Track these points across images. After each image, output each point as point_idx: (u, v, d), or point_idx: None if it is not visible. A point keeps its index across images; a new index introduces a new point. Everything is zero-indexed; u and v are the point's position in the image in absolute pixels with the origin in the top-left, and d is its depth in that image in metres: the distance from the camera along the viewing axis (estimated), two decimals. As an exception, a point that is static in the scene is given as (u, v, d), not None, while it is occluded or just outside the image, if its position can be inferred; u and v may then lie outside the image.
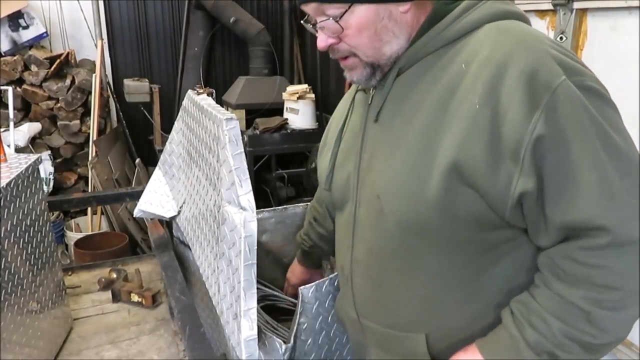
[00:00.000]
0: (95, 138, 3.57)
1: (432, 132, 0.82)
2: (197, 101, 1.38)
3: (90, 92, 3.65)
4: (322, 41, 0.89)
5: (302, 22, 0.93)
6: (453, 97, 0.81)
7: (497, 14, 0.85)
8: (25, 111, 3.60)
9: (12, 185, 1.19)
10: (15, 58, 3.50)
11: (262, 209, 1.69)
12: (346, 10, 0.84)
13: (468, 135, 0.78)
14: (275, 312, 1.67)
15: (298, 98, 3.56)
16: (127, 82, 3.89)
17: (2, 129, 3.25)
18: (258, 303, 1.08)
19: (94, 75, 3.64)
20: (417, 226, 0.86)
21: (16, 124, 3.37)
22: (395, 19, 0.86)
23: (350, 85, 1.13)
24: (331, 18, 0.85)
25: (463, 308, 0.90)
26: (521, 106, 0.74)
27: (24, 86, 3.52)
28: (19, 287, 1.21)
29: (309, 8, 0.88)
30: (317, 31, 0.89)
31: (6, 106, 3.30)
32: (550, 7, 1.88)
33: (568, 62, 0.78)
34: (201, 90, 3.68)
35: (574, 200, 0.75)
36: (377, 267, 0.96)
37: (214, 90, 3.91)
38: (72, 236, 3.37)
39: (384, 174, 0.89)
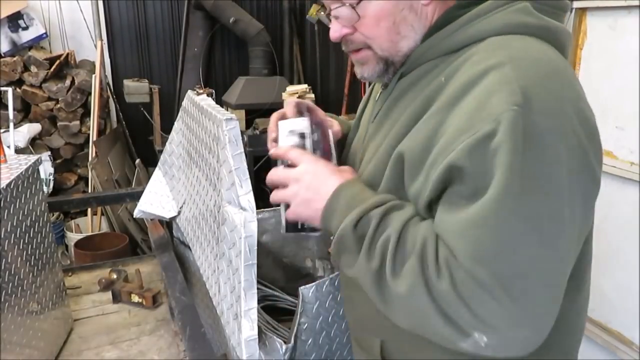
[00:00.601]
0: (95, 139, 3.57)
1: (400, 138, 0.80)
2: (197, 101, 1.38)
3: (90, 93, 3.65)
4: (336, 31, 0.84)
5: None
6: (426, 110, 0.76)
7: (509, 25, 0.75)
8: (25, 112, 3.61)
9: (12, 186, 1.19)
10: (15, 59, 3.50)
11: (262, 209, 1.69)
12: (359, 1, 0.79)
13: (416, 138, 0.75)
14: (276, 312, 1.67)
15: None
16: (127, 83, 3.89)
17: (2, 130, 3.25)
18: (258, 303, 1.08)
19: (93, 75, 3.64)
20: None
21: (16, 125, 3.37)
22: (416, 11, 0.80)
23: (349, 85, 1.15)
24: (348, 4, 0.80)
25: None
26: (456, 126, 0.69)
27: (24, 87, 3.52)
28: (20, 288, 1.21)
29: None
30: (330, 20, 0.85)
31: (6, 107, 3.30)
32: (550, 6, 1.88)
33: (540, 97, 0.66)
34: (201, 91, 3.68)
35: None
36: None
37: (213, 91, 3.91)
38: (72, 237, 3.37)
39: (367, 166, 0.89)
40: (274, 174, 0.87)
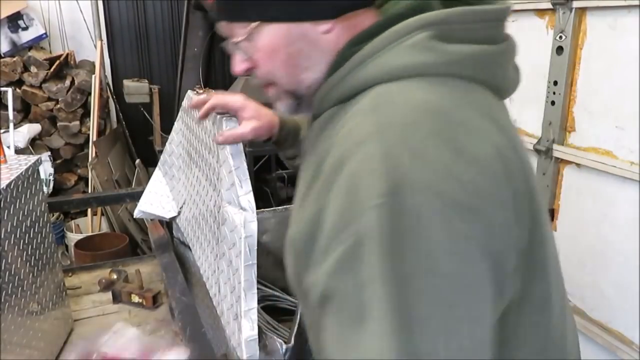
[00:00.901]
0: (95, 139, 3.57)
1: (297, 210, 0.71)
2: (197, 102, 1.38)
3: (89, 93, 3.65)
4: (236, 65, 0.76)
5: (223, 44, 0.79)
6: (315, 179, 0.65)
7: (394, 70, 0.63)
8: (25, 112, 3.60)
9: (12, 187, 1.19)
10: (14, 59, 3.50)
11: (263, 209, 1.69)
12: (253, 30, 0.70)
13: (301, 232, 0.65)
14: (276, 312, 1.67)
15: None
16: (127, 83, 3.89)
17: (2, 131, 3.25)
18: (258, 303, 1.08)
19: (93, 76, 3.64)
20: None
21: (16, 125, 3.37)
22: (313, 41, 0.69)
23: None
24: (241, 38, 0.72)
25: None
26: (332, 223, 0.57)
27: (24, 87, 3.52)
28: (20, 288, 1.21)
29: (221, 28, 0.76)
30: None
31: (6, 107, 3.30)
32: (550, 6, 1.88)
33: (406, 173, 0.54)
34: (201, 91, 3.68)
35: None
36: None
37: (213, 91, 3.91)
38: (73, 237, 3.37)
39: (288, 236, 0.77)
40: None
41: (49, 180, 3.40)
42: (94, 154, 3.53)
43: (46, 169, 3.37)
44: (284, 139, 1.07)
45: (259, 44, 0.71)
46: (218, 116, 1.14)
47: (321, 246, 0.58)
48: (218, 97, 1.03)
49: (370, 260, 0.53)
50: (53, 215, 3.41)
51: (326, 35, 0.69)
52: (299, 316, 1.27)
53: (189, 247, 1.54)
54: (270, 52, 0.71)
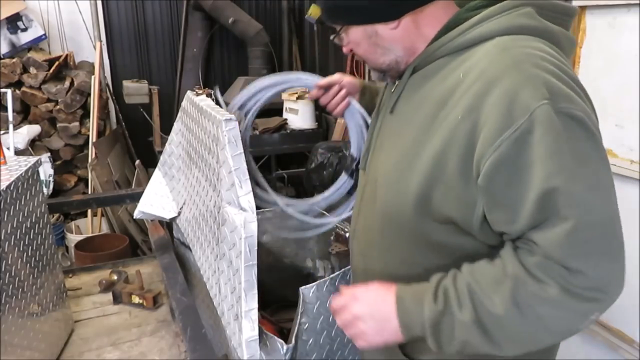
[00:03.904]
0: (94, 140, 3.57)
1: (421, 135, 0.87)
2: (196, 102, 1.38)
3: (89, 94, 3.65)
4: (344, 47, 1.03)
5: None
6: (444, 106, 0.84)
7: (511, 27, 0.84)
8: (25, 114, 3.60)
9: (12, 188, 1.19)
10: (14, 60, 3.50)
11: (262, 210, 1.69)
12: (343, 30, 0.98)
13: (446, 146, 0.82)
14: (277, 312, 1.67)
15: (297, 98, 3.56)
16: (126, 84, 3.89)
17: (1, 132, 3.25)
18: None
19: (92, 77, 3.64)
20: (395, 220, 0.93)
21: (15, 127, 3.37)
22: (384, 36, 0.93)
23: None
24: (338, 34, 1.00)
25: None
26: (494, 125, 0.76)
27: (23, 89, 3.51)
28: (20, 289, 1.21)
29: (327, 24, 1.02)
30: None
31: (5, 109, 3.30)
32: (549, 4, 1.88)
33: (559, 87, 0.76)
34: (200, 91, 3.68)
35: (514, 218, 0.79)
36: (365, 240, 1.05)
37: (214, 90, 3.91)
38: (73, 238, 3.37)
39: (383, 164, 0.97)
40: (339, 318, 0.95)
41: (49, 181, 3.40)
42: (93, 155, 3.52)
43: (46, 170, 3.36)
44: (363, 96, 1.37)
45: (349, 39, 0.99)
46: (218, 117, 1.14)
47: (486, 143, 0.76)
48: (324, 80, 1.34)
49: (544, 139, 0.73)
50: (53, 217, 3.41)
51: (394, 31, 0.92)
52: (299, 316, 1.27)
53: (189, 248, 1.54)
54: (356, 44, 0.98)
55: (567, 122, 0.75)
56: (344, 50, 1.03)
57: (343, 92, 1.31)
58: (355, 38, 0.97)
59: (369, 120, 1.24)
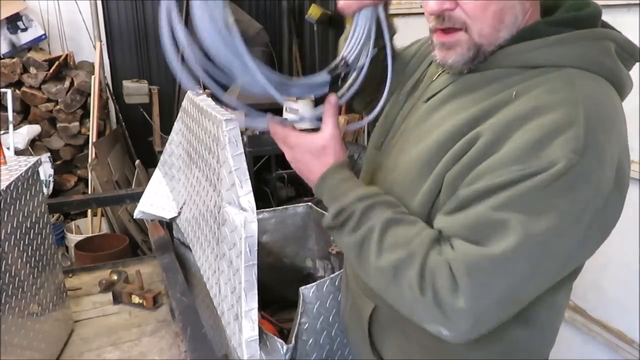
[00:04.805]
0: (94, 140, 3.57)
1: (449, 142, 0.79)
2: (197, 102, 1.38)
3: (89, 94, 3.65)
4: (437, 4, 0.77)
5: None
6: (485, 119, 0.76)
7: (586, 62, 0.76)
8: (25, 114, 3.60)
9: (12, 188, 1.19)
10: (14, 60, 3.49)
11: (262, 210, 1.69)
12: None
13: (457, 154, 0.77)
14: (277, 312, 1.67)
15: (297, 98, 3.56)
16: (126, 84, 3.89)
17: (1, 132, 3.25)
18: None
19: (92, 77, 3.64)
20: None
21: (15, 127, 3.37)
22: (521, 5, 0.77)
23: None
24: None
25: None
26: (515, 152, 0.70)
27: (23, 89, 3.51)
28: (20, 289, 1.21)
29: None
30: None
31: (5, 109, 3.30)
32: (549, 5, 1.88)
33: (602, 146, 0.69)
34: (200, 91, 3.67)
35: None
36: None
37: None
38: (73, 238, 3.37)
39: (401, 159, 0.89)
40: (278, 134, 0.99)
41: (49, 181, 3.39)
42: (93, 155, 3.52)
43: (46, 170, 3.36)
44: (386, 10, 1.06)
45: None
46: (218, 116, 1.14)
47: (501, 161, 0.70)
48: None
49: (547, 190, 0.67)
50: (53, 217, 3.41)
51: (526, 4, 0.78)
52: (299, 316, 1.27)
53: (189, 248, 1.54)
54: (483, 4, 0.75)
55: (578, 182, 0.68)
56: (441, 6, 0.77)
57: None
58: None
59: (388, 38, 0.97)
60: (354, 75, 1.00)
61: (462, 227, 0.72)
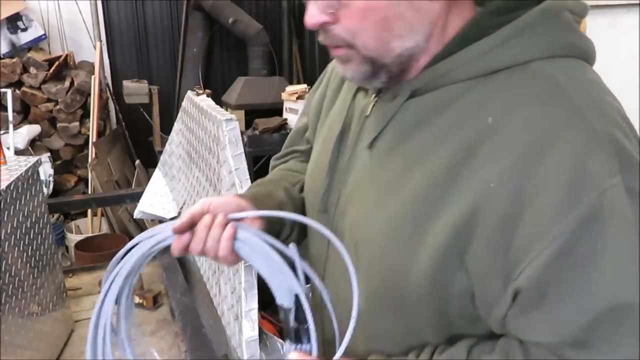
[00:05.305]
0: (94, 140, 3.57)
1: (433, 195, 0.62)
2: (197, 102, 1.38)
3: (89, 94, 3.65)
4: (313, 16, 0.64)
5: None
6: (468, 159, 0.60)
7: (556, 46, 0.61)
8: (25, 113, 3.60)
9: (12, 188, 1.19)
10: (14, 60, 3.49)
11: (262, 210, 1.68)
12: None
13: (473, 215, 0.58)
14: (277, 312, 1.66)
15: (297, 98, 3.56)
16: (126, 84, 3.89)
17: (1, 132, 3.25)
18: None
19: (93, 77, 3.64)
20: (390, 297, 0.69)
21: (15, 127, 3.37)
22: (418, 8, 0.61)
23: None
24: None
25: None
26: (553, 198, 0.54)
27: (23, 88, 3.51)
28: (20, 289, 1.21)
29: None
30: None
31: (5, 109, 3.30)
32: (549, 5, 1.88)
33: (628, 151, 0.56)
34: (200, 92, 3.68)
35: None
36: (341, 302, 0.74)
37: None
38: (73, 238, 3.37)
39: (368, 221, 0.70)
40: None
41: (49, 181, 3.39)
42: (93, 155, 3.52)
43: (46, 170, 3.36)
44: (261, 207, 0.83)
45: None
46: (218, 116, 1.14)
47: (540, 225, 0.55)
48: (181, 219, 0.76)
49: (615, 233, 0.54)
50: (53, 217, 3.41)
51: (432, 4, 0.62)
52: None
53: (189, 248, 1.54)
54: (364, 9, 0.61)
55: (638, 204, 0.55)
56: (317, 20, 0.64)
57: (219, 221, 0.73)
58: (366, 3, 0.61)
59: (286, 250, 0.71)
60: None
61: (569, 335, 0.57)
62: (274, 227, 0.83)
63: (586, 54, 0.64)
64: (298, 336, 0.72)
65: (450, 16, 0.64)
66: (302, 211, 0.89)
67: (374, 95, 0.74)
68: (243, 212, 0.77)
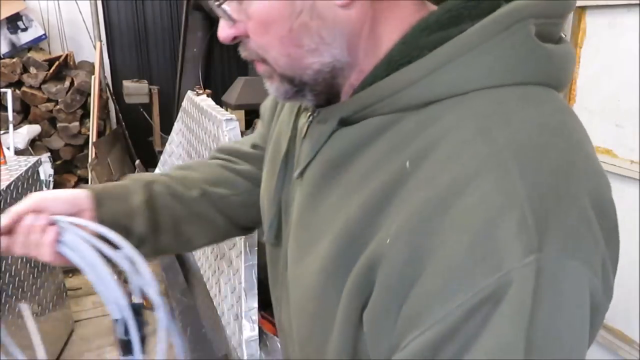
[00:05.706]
0: (94, 140, 3.57)
1: (344, 255, 0.52)
2: (197, 102, 1.38)
3: (89, 94, 3.65)
4: (222, 29, 0.59)
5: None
6: (382, 207, 0.49)
7: (505, 73, 0.48)
8: (25, 113, 3.60)
9: (12, 188, 1.19)
10: (14, 60, 3.50)
11: (103, 210, 1.68)
12: None
13: (372, 273, 0.49)
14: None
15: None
16: (126, 84, 3.89)
17: (1, 132, 3.25)
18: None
19: (93, 77, 3.64)
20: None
21: (15, 127, 3.37)
22: (325, 17, 0.52)
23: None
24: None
25: None
26: (451, 273, 0.43)
27: (23, 88, 3.52)
28: (20, 289, 1.21)
29: None
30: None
31: (5, 109, 3.30)
32: (549, 5, 1.88)
33: (558, 217, 0.43)
34: (200, 92, 3.68)
35: None
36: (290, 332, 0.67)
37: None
38: (73, 238, 3.37)
39: (297, 276, 0.61)
40: None
41: (49, 181, 3.40)
42: (93, 155, 3.53)
43: (46, 170, 3.36)
44: (101, 208, 0.75)
45: (250, 10, 0.53)
46: (218, 116, 1.14)
47: (425, 305, 0.44)
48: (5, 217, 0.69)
49: (512, 320, 0.42)
50: (53, 217, 3.40)
51: (345, 12, 0.52)
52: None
53: (189, 248, 1.54)
54: (267, 23, 0.53)
55: (554, 286, 0.42)
56: (226, 34, 0.58)
57: (39, 223, 0.66)
58: (266, 13, 0.52)
59: (117, 257, 0.66)
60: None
61: None
62: (121, 221, 0.75)
63: (549, 78, 0.50)
64: (128, 348, 0.68)
65: (380, 26, 0.53)
66: (175, 222, 0.80)
67: (309, 114, 0.64)
68: (72, 216, 0.69)
